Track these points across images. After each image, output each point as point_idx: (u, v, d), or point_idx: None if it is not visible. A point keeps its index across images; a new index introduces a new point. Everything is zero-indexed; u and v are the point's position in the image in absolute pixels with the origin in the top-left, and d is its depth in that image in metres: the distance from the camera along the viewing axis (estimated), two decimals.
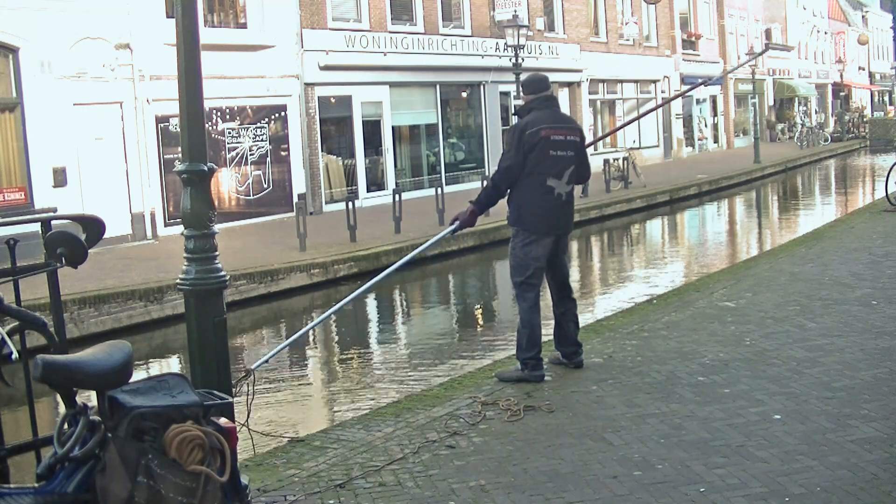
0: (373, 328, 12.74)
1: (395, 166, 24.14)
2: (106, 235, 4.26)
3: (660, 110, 37.23)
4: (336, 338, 12.25)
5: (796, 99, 53.40)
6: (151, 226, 17.86)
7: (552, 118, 6.27)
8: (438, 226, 17.67)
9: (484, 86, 26.87)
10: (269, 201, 20.57)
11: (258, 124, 20.39)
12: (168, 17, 16.44)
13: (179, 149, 4.55)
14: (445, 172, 25.48)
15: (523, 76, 6.81)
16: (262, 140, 20.50)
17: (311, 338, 12.43)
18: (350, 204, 16.40)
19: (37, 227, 4.11)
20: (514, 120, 6.80)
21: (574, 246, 17.81)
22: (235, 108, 19.78)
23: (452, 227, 6.41)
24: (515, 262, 6.30)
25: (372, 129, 23.57)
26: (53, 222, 4.00)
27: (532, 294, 6.25)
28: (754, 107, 36.98)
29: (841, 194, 28.15)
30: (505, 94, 27.15)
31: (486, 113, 27.07)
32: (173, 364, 10.72)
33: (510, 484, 4.46)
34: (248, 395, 5.34)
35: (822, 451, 4.60)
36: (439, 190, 18.41)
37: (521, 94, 6.57)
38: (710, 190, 27.20)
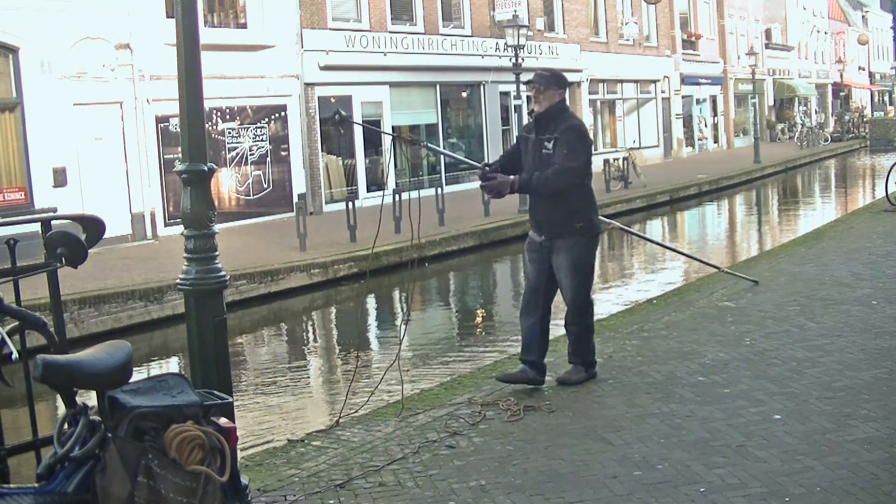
0: (373, 328, 12.73)
1: (395, 166, 24.14)
2: (106, 235, 4.26)
3: (660, 110, 37.29)
4: (336, 338, 12.26)
5: (796, 99, 53.39)
6: (151, 226, 17.86)
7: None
8: (439, 226, 17.67)
9: (484, 86, 26.87)
10: (269, 201, 20.57)
11: (258, 124, 20.39)
12: (168, 17, 16.43)
13: (179, 149, 4.54)
14: (445, 172, 25.47)
15: (537, 72, 6.30)
16: (262, 140, 20.50)
17: (310, 337, 12.44)
18: (350, 204, 16.40)
19: (37, 227, 4.11)
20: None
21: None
22: (235, 108, 19.77)
23: (482, 183, 6.22)
24: (588, 270, 6.12)
25: None
26: (53, 222, 4.00)
27: (591, 297, 6.24)
28: (754, 107, 36.98)
29: (841, 194, 28.14)
30: (505, 94, 27.15)
31: (486, 113, 27.07)
32: (173, 364, 10.72)
33: (510, 484, 4.46)
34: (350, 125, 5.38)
35: (822, 451, 4.60)
36: (439, 190, 18.40)
37: (549, 87, 6.14)
38: (710, 190, 27.19)
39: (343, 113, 5.80)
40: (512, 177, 6.03)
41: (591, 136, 6.32)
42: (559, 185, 5.90)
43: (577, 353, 6.20)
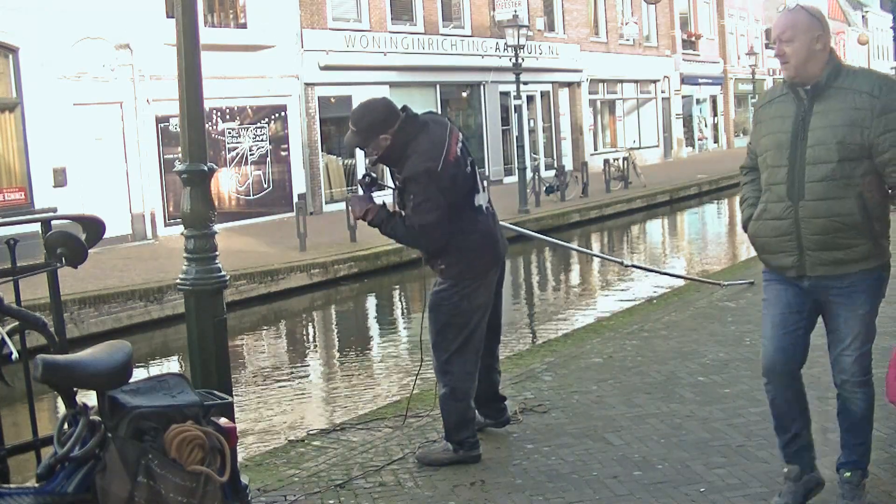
0: (373, 328, 12.74)
1: None
2: (106, 235, 4.25)
3: (659, 110, 37.29)
4: (336, 338, 12.27)
5: None
6: (151, 226, 17.87)
7: (440, 132, 4.75)
8: None
9: (484, 86, 26.87)
10: (269, 201, 20.58)
11: (258, 124, 20.40)
12: (168, 17, 16.43)
13: (179, 149, 4.54)
14: None
15: (355, 112, 4.76)
16: (262, 140, 20.50)
17: (310, 337, 12.44)
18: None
19: (37, 227, 4.11)
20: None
21: (575, 246, 17.79)
22: (235, 108, 19.77)
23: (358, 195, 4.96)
24: (450, 319, 4.71)
25: None
26: (53, 222, 4.00)
27: (474, 357, 4.77)
28: (754, 107, 36.99)
29: None
30: (505, 94, 27.16)
31: (486, 113, 27.07)
32: (173, 364, 10.72)
33: (510, 484, 4.46)
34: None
35: (822, 451, 4.59)
36: None
37: (369, 138, 4.67)
38: (710, 190, 27.20)
39: (372, 175, 4.99)
40: (372, 203, 4.77)
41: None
42: (407, 244, 4.77)
43: (443, 422, 4.90)
